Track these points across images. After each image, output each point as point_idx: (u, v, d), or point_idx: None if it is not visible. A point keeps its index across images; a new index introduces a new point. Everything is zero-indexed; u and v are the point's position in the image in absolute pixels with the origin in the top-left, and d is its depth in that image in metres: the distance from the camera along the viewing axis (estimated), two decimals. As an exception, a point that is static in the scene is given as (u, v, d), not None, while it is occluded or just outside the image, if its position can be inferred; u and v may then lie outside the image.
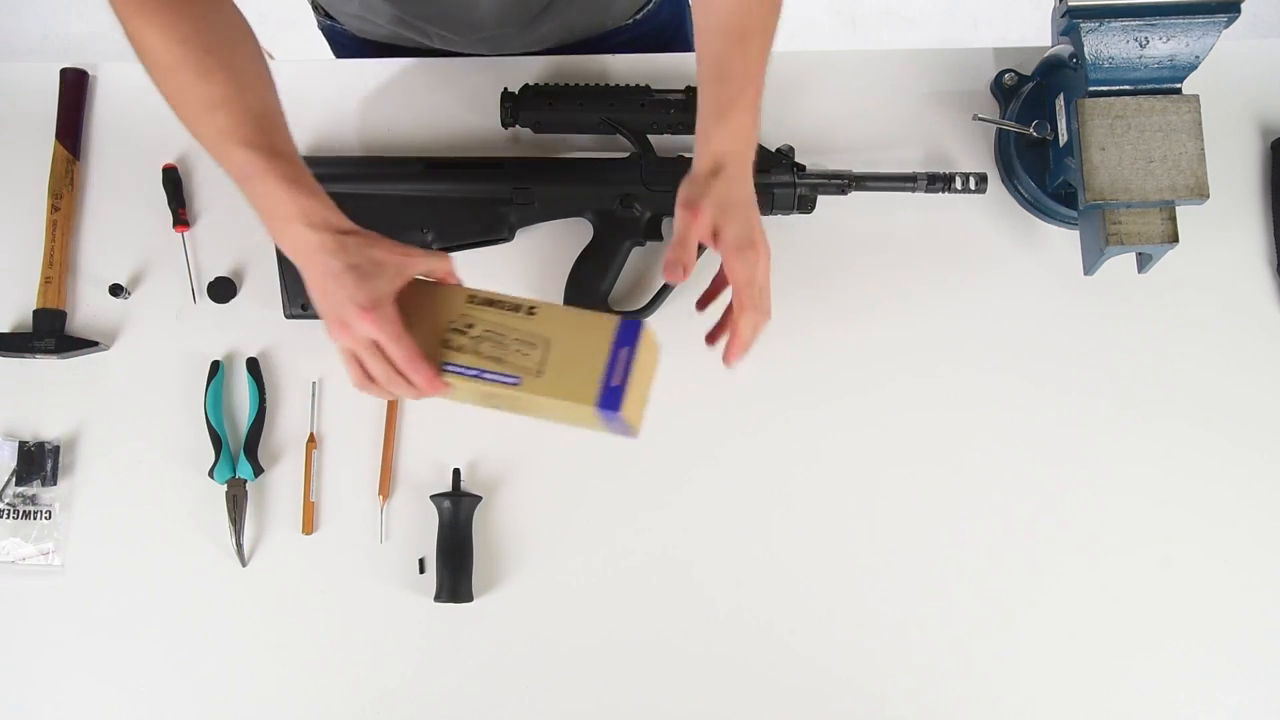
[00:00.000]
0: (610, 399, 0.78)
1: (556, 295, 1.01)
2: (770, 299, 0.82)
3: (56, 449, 0.99)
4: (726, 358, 0.82)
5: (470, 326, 0.80)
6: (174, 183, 1.03)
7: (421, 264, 0.78)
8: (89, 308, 1.02)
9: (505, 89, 1.01)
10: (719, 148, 0.80)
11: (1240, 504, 0.98)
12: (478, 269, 1.00)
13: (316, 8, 1.12)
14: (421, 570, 0.97)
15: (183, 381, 1.00)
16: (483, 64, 1.06)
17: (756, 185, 0.99)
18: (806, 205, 1.01)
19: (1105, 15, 0.89)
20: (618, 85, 1.01)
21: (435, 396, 0.80)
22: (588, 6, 1.07)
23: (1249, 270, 1.03)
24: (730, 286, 0.81)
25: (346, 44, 1.13)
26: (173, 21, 0.75)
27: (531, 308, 0.80)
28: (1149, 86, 0.92)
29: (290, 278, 1.00)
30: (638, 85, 1.01)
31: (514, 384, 0.79)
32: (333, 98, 1.06)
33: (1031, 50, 1.05)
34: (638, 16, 1.14)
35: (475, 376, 0.79)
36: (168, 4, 0.75)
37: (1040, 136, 0.99)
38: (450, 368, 0.79)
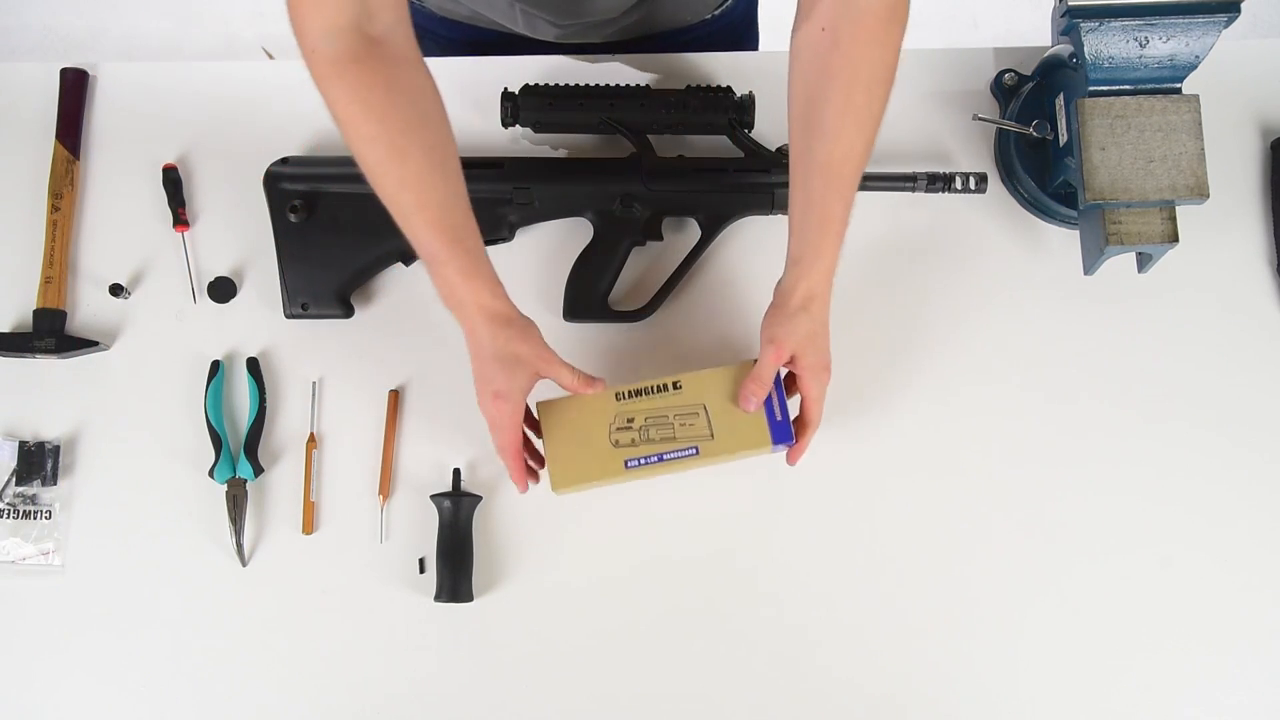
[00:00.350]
0: (781, 433, 0.90)
1: (556, 294, 1.01)
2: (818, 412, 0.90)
3: (56, 449, 0.99)
4: (791, 460, 0.92)
5: (631, 420, 0.90)
6: (174, 183, 1.03)
7: (556, 370, 0.87)
8: (89, 308, 1.02)
9: (505, 89, 1.01)
10: (810, 287, 0.86)
11: (1240, 504, 0.98)
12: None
13: None
14: (421, 570, 0.97)
15: (183, 381, 1.00)
16: (483, 64, 1.06)
17: (756, 185, 1.00)
18: (806, 205, 1.01)
19: (1105, 15, 0.89)
20: (618, 85, 1.01)
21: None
22: None
23: (1249, 270, 1.03)
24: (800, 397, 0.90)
25: (422, 22, 1.13)
26: (369, 93, 0.78)
27: (675, 383, 0.90)
28: (1149, 86, 0.92)
29: (290, 277, 1.00)
30: (638, 85, 1.01)
31: (694, 455, 0.89)
32: (333, 98, 1.06)
33: (1031, 50, 1.05)
34: (717, 12, 1.14)
35: (659, 461, 0.89)
36: (365, 76, 0.78)
37: (1040, 136, 0.99)
38: (633, 462, 0.89)
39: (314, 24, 0.77)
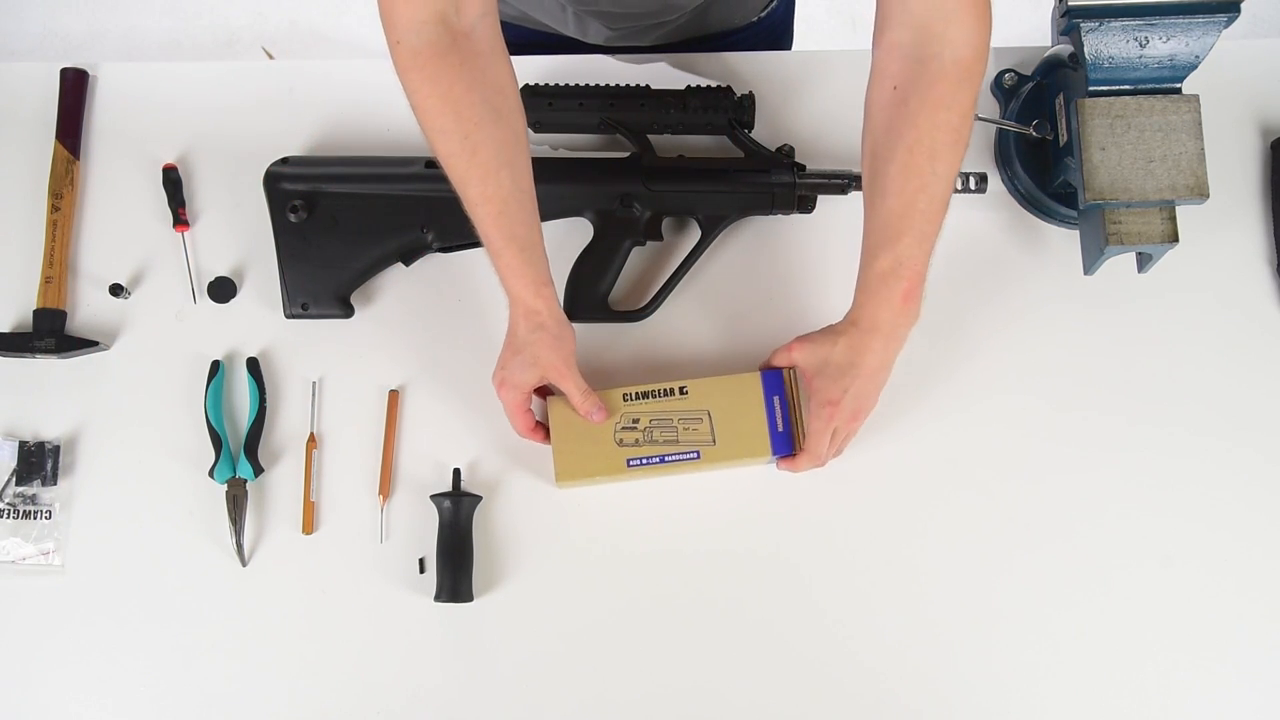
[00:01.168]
0: (782, 444, 0.93)
1: (557, 295, 1.01)
2: (825, 452, 0.91)
3: (56, 449, 0.99)
4: (781, 466, 0.95)
5: (636, 421, 0.93)
6: (174, 183, 1.03)
7: (567, 384, 0.90)
8: (89, 308, 1.02)
9: (505, 89, 1.01)
10: (853, 323, 0.88)
11: (1241, 503, 0.98)
12: (478, 269, 1.01)
13: None
14: (421, 570, 0.97)
15: (183, 381, 1.00)
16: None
17: (756, 185, 1.00)
18: (806, 205, 1.01)
19: (1105, 15, 0.89)
20: (618, 85, 1.01)
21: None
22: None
23: (1249, 270, 1.03)
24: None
25: None
26: (449, 88, 0.81)
27: (682, 388, 0.93)
28: (1149, 86, 0.92)
29: (290, 277, 1.00)
30: (638, 85, 1.01)
31: (695, 459, 0.92)
32: (333, 98, 1.06)
33: (1031, 50, 1.05)
34: (763, 14, 1.16)
35: (660, 463, 0.92)
36: (446, 69, 0.80)
37: (1040, 136, 0.99)
38: (635, 462, 0.92)
39: (402, 16, 0.78)
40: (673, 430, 0.92)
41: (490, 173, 0.83)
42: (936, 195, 0.84)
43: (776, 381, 0.93)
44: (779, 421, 0.93)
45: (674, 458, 0.92)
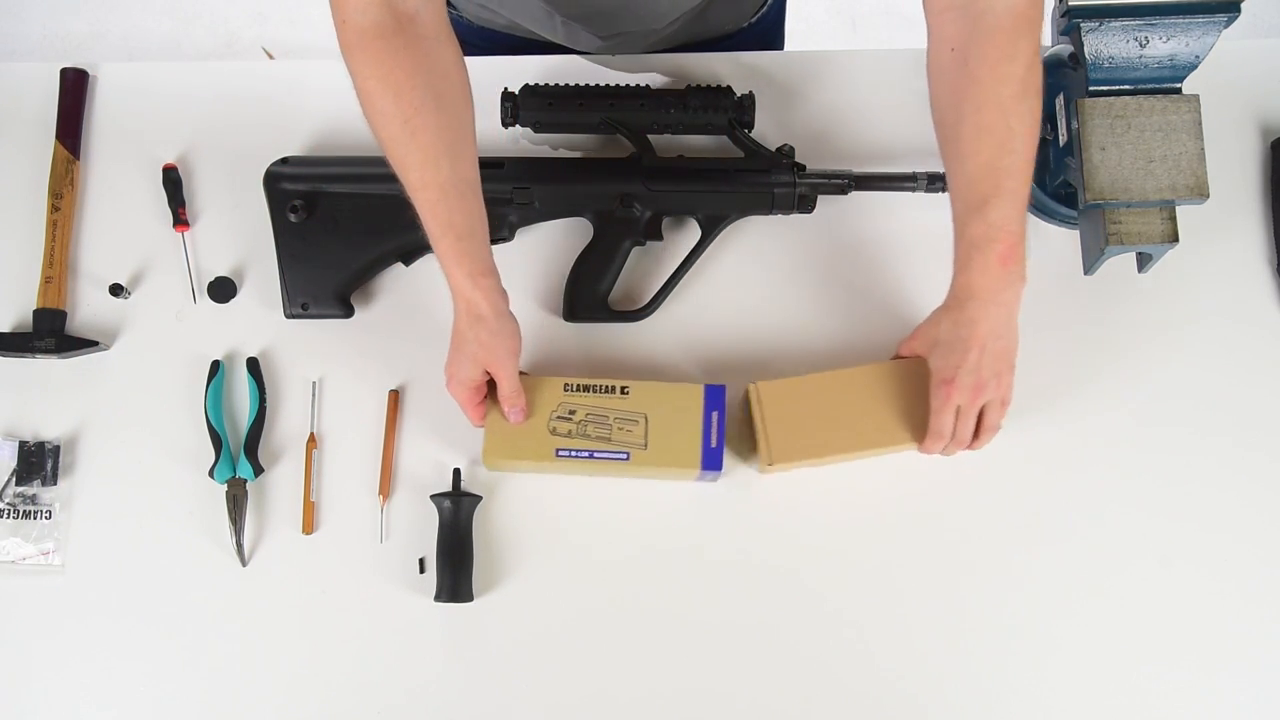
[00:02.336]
0: (712, 459, 0.92)
1: (556, 294, 1.01)
2: (949, 430, 0.89)
3: (56, 449, 0.99)
4: (926, 449, 0.92)
5: (573, 413, 0.92)
6: (174, 183, 1.03)
7: (500, 376, 0.89)
8: (89, 308, 1.02)
9: (505, 89, 1.01)
10: (959, 290, 0.87)
11: (1241, 503, 0.98)
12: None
13: None
14: (421, 570, 0.97)
15: (183, 381, 1.00)
16: (483, 64, 1.06)
17: (756, 185, 0.99)
18: (806, 205, 1.01)
19: (1105, 15, 0.89)
20: (618, 85, 1.01)
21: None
22: (726, 6, 1.09)
23: (1249, 270, 1.03)
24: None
25: (461, 33, 1.13)
26: (390, 70, 0.80)
27: (624, 387, 0.92)
28: (1149, 86, 0.92)
29: (290, 277, 1.00)
30: (638, 85, 1.01)
31: (623, 460, 0.92)
32: (333, 98, 1.06)
33: (1031, 50, 1.05)
34: (754, 18, 1.15)
35: (588, 458, 0.92)
36: (389, 51, 0.80)
37: (1040, 136, 0.99)
38: (563, 453, 0.91)
39: None
40: (607, 428, 0.92)
41: (429, 159, 0.81)
42: (1017, 150, 0.82)
43: (718, 399, 0.93)
44: (713, 437, 0.92)
45: (603, 455, 0.92)
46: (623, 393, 0.92)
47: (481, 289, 0.85)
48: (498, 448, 0.93)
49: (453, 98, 0.83)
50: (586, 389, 0.92)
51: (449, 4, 1.11)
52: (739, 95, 1.01)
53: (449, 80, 0.83)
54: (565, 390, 0.93)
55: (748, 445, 0.97)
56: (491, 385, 0.92)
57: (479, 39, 1.13)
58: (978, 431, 0.91)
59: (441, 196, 0.83)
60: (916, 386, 0.92)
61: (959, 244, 0.86)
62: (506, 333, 0.88)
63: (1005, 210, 0.83)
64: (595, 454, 0.92)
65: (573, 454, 0.92)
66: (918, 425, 0.91)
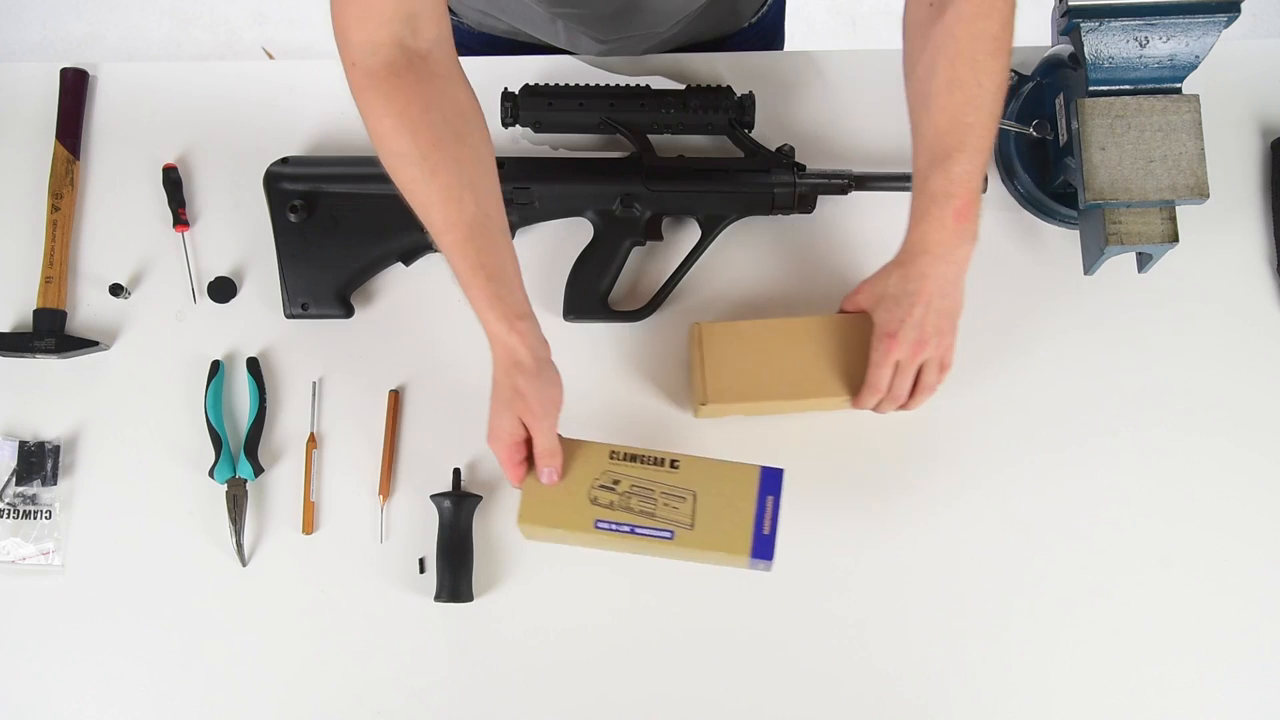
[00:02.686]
0: (763, 548, 0.85)
1: (557, 295, 1.01)
2: (905, 390, 0.89)
3: (56, 449, 0.99)
4: (860, 405, 0.92)
5: (617, 483, 0.86)
6: (174, 183, 1.03)
7: (537, 432, 0.83)
8: (89, 308, 1.02)
9: (505, 89, 1.01)
10: (907, 248, 0.87)
11: (1240, 503, 0.98)
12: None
13: None
14: (421, 570, 0.97)
15: (183, 381, 1.00)
16: (483, 63, 1.06)
17: (756, 185, 0.99)
18: (806, 205, 1.01)
19: (1105, 15, 0.89)
20: (618, 85, 1.01)
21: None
22: (726, 6, 1.09)
23: (1249, 270, 1.03)
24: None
25: (461, 38, 1.13)
26: (404, 107, 0.77)
27: (674, 461, 0.86)
28: (1149, 86, 0.92)
29: (290, 277, 1.00)
30: (638, 85, 1.01)
31: (667, 539, 0.85)
32: (333, 98, 1.06)
33: (1031, 50, 1.05)
34: (754, 19, 1.15)
35: (629, 532, 0.85)
36: (403, 91, 0.77)
37: (1040, 136, 0.99)
38: (603, 525, 0.85)
39: (357, 37, 0.76)
40: (652, 502, 0.85)
41: (452, 196, 0.78)
42: (984, 108, 0.82)
43: (775, 482, 0.86)
44: (766, 523, 0.85)
45: (645, 531, 0.85)
46: (672, 466, 0.86)
47: (519, 333, 0.81)
48: (534, 512, 0.86)
49: (471, 134, 0.81)
50: (634, 458, 0.86)
51: (449, 10, 1.11)
52: (739, 95, 1.01)
53: (465, 117, 0.81)
54: (611, 458, 0.86)
55: (688, 389, 0.97)
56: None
57: (479, 44, 1.13)
58: (914, 390, 0.90)
59: (469, 236, 0.79)
60: (858, 342, 0.91)
61: (918, 197, 0.85)
62: (546, 381, 0.82)
63: (967, 166, 0.82)
64: (637, 529, 0.85)
65: (613, 527, 0.85)
66: (855, 380, 0.90)
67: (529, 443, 0.84)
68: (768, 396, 0.92)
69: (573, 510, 0.85)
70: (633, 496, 0.86)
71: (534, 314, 0.83)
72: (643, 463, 0.86)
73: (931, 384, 0.90)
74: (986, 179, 0.99)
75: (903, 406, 0.91)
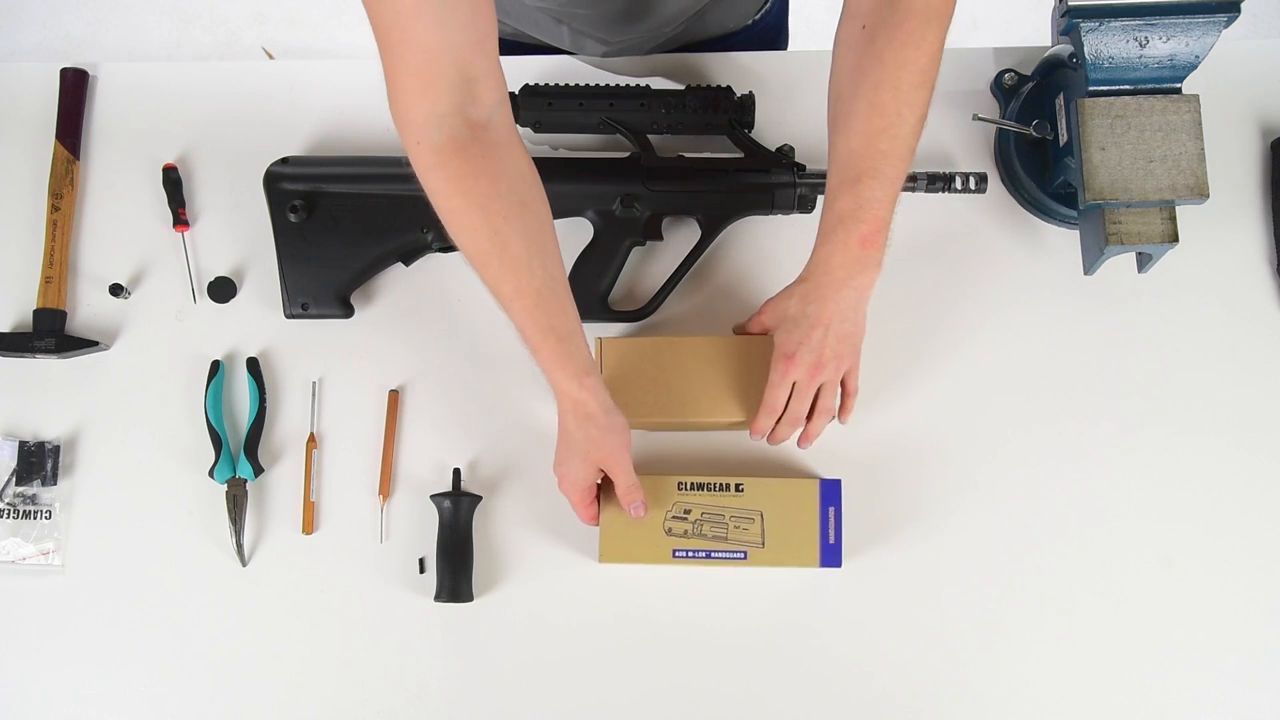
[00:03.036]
0: (831, 556, 0.93)
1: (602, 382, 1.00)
2: (802, 413, 0.91)
3: (56, 449, 0.99)
4: (756, 434, 0.93)
5: (688, 512, 0.92)
6: (174, 183, 1.03)
7: (616, 474, 0.89)
8: (89, 308, 1.02)
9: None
10: (810, 269, 0.87)
11: (1240, 503, 0.98)
12: (478, 269, 1.01)
13: None
14: (421, 570, 0.97)
15: (183, 381, 1.00)
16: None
17: (756, 185, 0.99)
18: (806, 205, 1.01)
19: (1105, 15, 0.89)
20: (618, 85, 1.01)
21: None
22: (726, 6, 1.09)
23: (1249, 270, 1.03)
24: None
25: None
26: (474, 185, 0.78)
27: (739, 484, 0.93)
28: (1149, 86, 0.92)
29: (290, 277, 1.00)
30: (638, 85, 1.01)
31: (741, 559, 0.92)
32: (333, 98, 1.06)
33: (1031, 50, 1.05)
34: (756, 17, 1.15)
35: (706, 558, 0.92)
36: (468, 165, 0.77)
37: (1040, 136, 0.99)
38: (680, 553, 0.92)
39: (419, 112, 0.75)
40: (723, 527, 0.92)
41: (522, 266, 0.80)
42: (900, 137, 0.83)
43: (835, 493, 0.93)
44: (831, 533, 0.92)
45: (721, 555, 0.92)
46: (737, 490, 0.93)
47: (588, 389, 0.84)
48: (614, 549, 0.92)
49: (534, 199, 0.82)
50: (700, 487, 0.93)
51: None
52: (739, 95, 1.01)
53: (527, 182, 0.81)
54: (679, 489, 0.93)
55: None
56: (605, 483, 0.92)
57: None
58: (811, 413, 0.91)
59: (539, 302, 0.81)
60: (759, 364, 0.92)
61: (825, 215, 0.86)
62: (617, 428, 0.87)
63: (878, 192, 0.83)
64: (713, 554, 0.92)
65: (690, 554, 0.92)
66: (754, 403, 0.92)
67: (599, 486, 0.91)
68: (661, 414, 0.94)
69: (651, 544, 0.92)
70: (704, 523, 0.92)
71: (597, 368, 0.88)
72: (709, 490, 0.93)
73: (828, 407, 0.91)
74: (978, 181, 0.99)
75: (803, 436, 0.93)
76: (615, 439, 0.87)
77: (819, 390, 0.90)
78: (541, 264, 0.81)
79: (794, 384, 0.89)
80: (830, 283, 0.86)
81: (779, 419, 0.91)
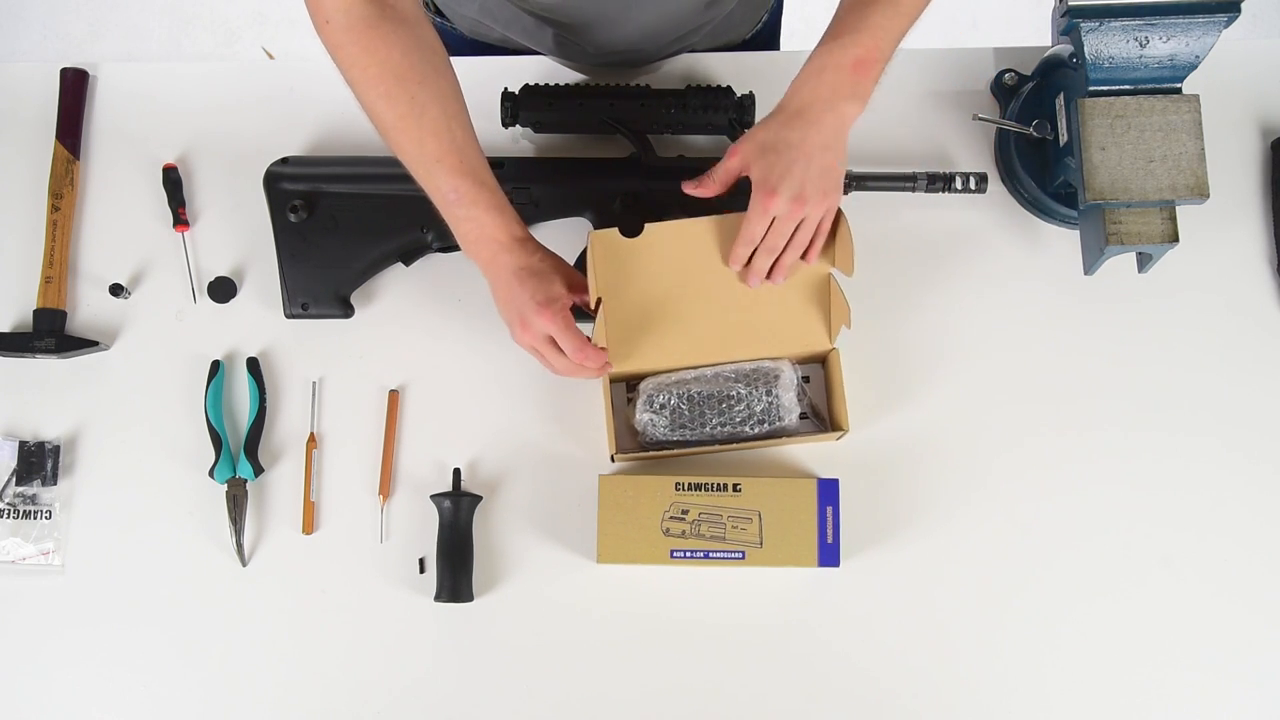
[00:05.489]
0: (829, 556, 0.92)
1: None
2: (780, 243, 0.86)
3: (56, 449, 0.99)
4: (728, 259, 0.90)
5: (685, 513, 0.92)
6: (174, 183, 1.03)
7: (566, 295, 0.87)
8: (89, 308, 1.02)
9: (505, 89, 1.01)
10: (797, 91, 0.84)
11: (1239, 503, 0.98)
12: (478, 269, 1.01)
13: (428, 5, 1.12)
14: (421, 570, 0.97)
15: (183, 381, 1.00)
16: (483, 64, 1.06)
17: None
18: (806, 205, 1.00)
19: (1105, 15, 0.89)
20: (618, 85, 1.01)
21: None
22: (720, 28, 1.08)
23: (1249, 270, 1.03)
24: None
25: (454, 44, 1.13)
26: (387, 55, 0.81)
27: (736, 485, 0.93)
28: (1149, 86, 0.92)
29: (290, 277, 1.00)
30: (638, 85, 1.01)
31: (739, 559, 0.92)
32: (333, 98, 1.06)
33: (1031, 50, 1.05)
34: (748, 36, 1.15)
35: (704, 558, 0.92)
36: (380, 38, 0.80)
37: (1040, 136, 0.99)
38: (678, 554, 0.92)
39: None
40: (721, 527, 0.92)
41: (442, 128, 0.82)
42: (905, 13, 0.82)
43: (832, 491, 0.93)
44: (829, 532, 0.92)
45: (719, 555, 0.92)
46: (735, 490, 0.93)
47: (524, 227, 0.87)
48: (612, 549, 0.93)
49: (445, 67, 0.85)
50: (698, 487, 0.93)
51: (439, 13, 1.11)
52: (739, 95, 1.01)
53: (437, 52, 0.84)
54: (677, 490, 0.93)
55: None
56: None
57: (472, 51, 1.13)
58: (787, 247, 0.87)
59: (464, 158, 0.83)
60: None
61: (824, 37, 0.83)
62: (558, 266, 0.88)
63: (886, 20, 0.82)
64: (711, 554, 0.92)
65: (689, 555, 0.92)
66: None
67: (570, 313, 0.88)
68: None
69: (649, 545, 0.92)
70: (702, 524, 0.92)
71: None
72: (707, 490, 0.93)
73: (803, 241, 0.87)
74: (978, 181, 0.98)
75: (776, 267, 0.88)
76: (558, 278, 0.87)
77: (798, 225, 0.86)
78: (460, 125, 0.84)
79: (774, 218, 0.84)
80: (815, 104, 0.82)
81: (755, 249, 0.88)
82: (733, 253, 0.89)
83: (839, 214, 0.90)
